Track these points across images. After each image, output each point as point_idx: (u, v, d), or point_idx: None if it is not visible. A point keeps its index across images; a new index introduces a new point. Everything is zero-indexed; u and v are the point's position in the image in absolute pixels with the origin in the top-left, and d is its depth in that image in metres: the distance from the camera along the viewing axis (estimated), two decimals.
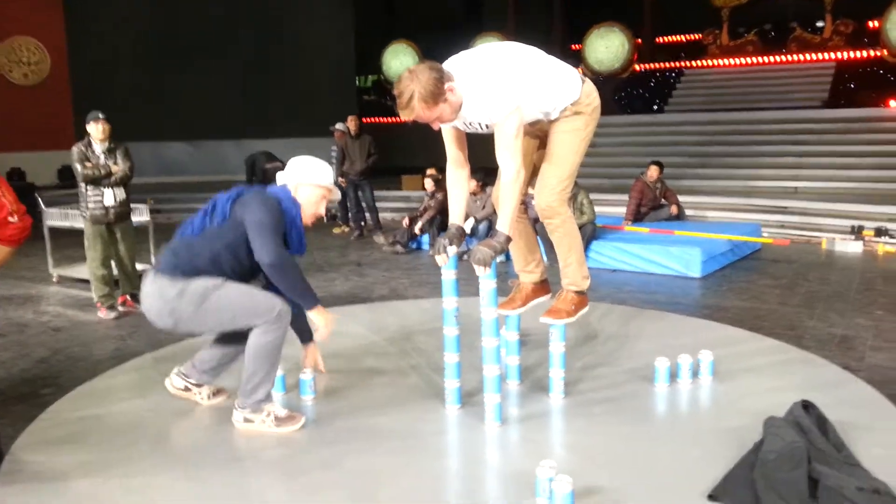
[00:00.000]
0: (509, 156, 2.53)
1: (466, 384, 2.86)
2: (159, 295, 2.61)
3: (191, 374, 2.96)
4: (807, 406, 2.54)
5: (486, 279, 2.59)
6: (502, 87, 2.51)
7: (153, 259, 7.04)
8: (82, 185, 5.30)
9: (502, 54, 2.63)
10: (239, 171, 13.43)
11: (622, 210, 9.01)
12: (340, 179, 9.43)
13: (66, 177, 12.42)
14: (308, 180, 2.77)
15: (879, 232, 8.52)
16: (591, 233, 7.42)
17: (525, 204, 2.98)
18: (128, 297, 5.67)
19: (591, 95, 2.78)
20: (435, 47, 2.86)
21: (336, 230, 9.91)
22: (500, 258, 2.67)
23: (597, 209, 7.87)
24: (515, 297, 3.02)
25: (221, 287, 2.61)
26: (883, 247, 8.21)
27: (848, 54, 14.21)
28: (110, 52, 14.34)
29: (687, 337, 3.67)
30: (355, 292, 6.34)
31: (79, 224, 5.91)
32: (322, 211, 2.82)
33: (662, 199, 8.91)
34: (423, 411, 2.84)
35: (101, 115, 5.27)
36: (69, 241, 7.02)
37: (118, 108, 5.43)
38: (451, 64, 2.59)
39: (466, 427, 2.72)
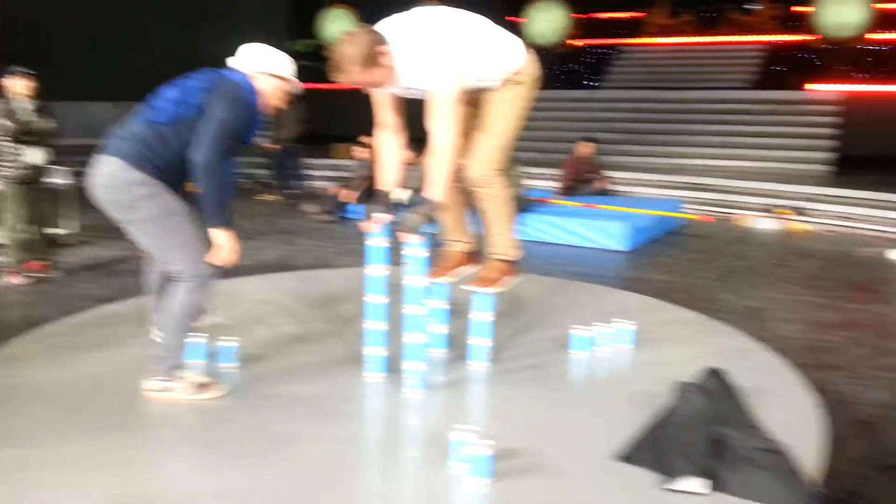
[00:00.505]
0: (446, 123, 2.53)
1: (393, 352, 2.89)
2: (126, 186, 2.46)
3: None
4: (716, 373, 2.68)
5: (414, 247, 2.61)
6: (443, 52, 2.50)
7: (73, 224, 6.78)
8: (2, 141, 5.03)
9: (443, 19, 2.61)
10: None
11: (554, 184, 9.14)
12: (271, 145, 9.25)
13: None
14: (266, 69, 2.65)
15: (794, 210, 8.92)
16: (520, 205, 7.51)
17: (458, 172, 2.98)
18: (42, 262, 5.45)
19: (532, 65, 2.80)
20: (373, 13, 2.82)
21: (264, 198, 9.73)
22: (431, 227, 2.68)
23: (529, 182, 7.97)
24: (445, 265, 3.04)
25: (185, 216, 2.54)
26: (797, 224, 8.60)
27: (778, 37, 14.65)
28: (32, 9, 13.57)
29: (609, 307, 3.78)
30: (282, 261, 6.27)
31: None
32: (282, 103, 2.70)
33: (593, 175, 9.08)
34: (346, 379, 2.86)
35: (24, 71, 5.04)
36: None
37: (42, 64, 5.17)
38: (388, 27, 2.56)
39: (389, 394, 2.76)
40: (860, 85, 12.53)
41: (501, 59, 2.72)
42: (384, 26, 2.57)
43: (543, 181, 9.61)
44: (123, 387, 2.76)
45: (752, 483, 2.02)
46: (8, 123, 4.94)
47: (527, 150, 11.49)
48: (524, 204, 7.66)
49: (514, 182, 7.54)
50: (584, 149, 8.88)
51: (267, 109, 2.66)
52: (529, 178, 8.22)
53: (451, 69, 2.51)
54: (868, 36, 12.34)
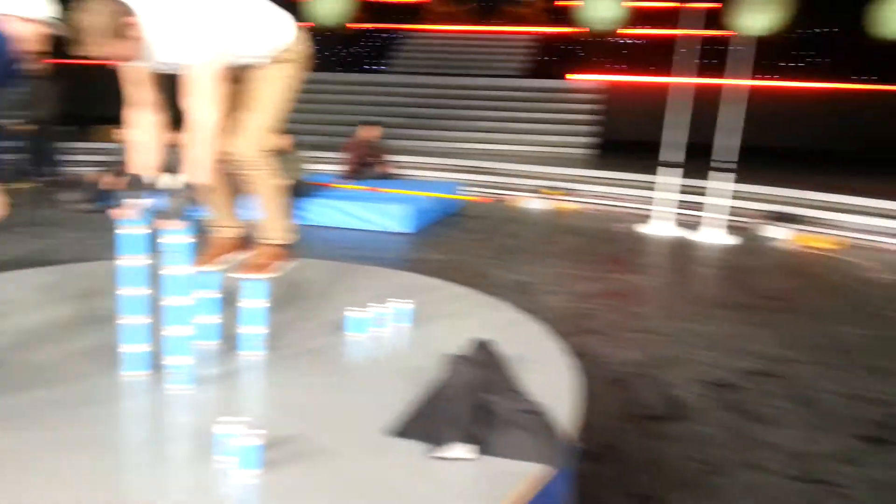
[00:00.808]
0: (206, 101, 2.39)
1: (159, 347, 2.70)
2: None
3: None
4: (483, 344, 2.82)
5: (177, 234, 2.46)
6: (201, 24, 2.35)
7: None
8: None
9: None
10: None
11: (338, 167, 9.11)
12: (25, 126, 8.27)
13: None
14: (16, 11, 2.40)
15: (560, 191, 9.67)
16: (303, 190, 7.41)
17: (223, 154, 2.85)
18: None
19: (302, 43, 2.72)
20: None
21: (17, 186, 8.68)
22: (195, 212, 2.54)
23: (313, 166, 7.87)
24: (213, 252, 2.91)
25: None
26: (563, 204, 9.34)
27: (547, 29, 15.70)
28: None
29: (387, 288, 3.83)
30: (38, 256, 5.67)
31: None
32: (40, 48, 2.45)
33: (376, 159, 9.17)
34: (105, 379, 2.63)
35: None
36: None
37: None
38: None
39: (151, 393, 2.58)
40: (617, 75, 13.80)
41: (268, 34, 2.62)
42: None
43: (328, 165, 9.55)
44: None
45: (514, 443, 2.16)
46: None
47: (310, 133, 11.36)
48: (307, 188, 7.56)
49: (296, 166, 7.41)
50: (367, 132, 8.94)
51: (25, 56, 2.40)
52: (313, 162, 8.11)
53: (210, 43, 2.38)
54: (624, 31, 13.65)
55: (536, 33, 15.77)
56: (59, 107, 8.36)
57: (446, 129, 12.48)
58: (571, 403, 2.55)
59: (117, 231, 2.59)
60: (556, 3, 15.88)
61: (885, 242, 7.72)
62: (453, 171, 10.59)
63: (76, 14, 2.25)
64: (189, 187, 2.45)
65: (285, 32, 2.67)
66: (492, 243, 7.02)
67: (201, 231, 2.87)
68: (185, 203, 2.43)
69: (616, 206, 9.34)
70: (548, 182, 9.90)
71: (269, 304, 2.94)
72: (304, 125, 11.62)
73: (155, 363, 2.69)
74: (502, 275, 5.80)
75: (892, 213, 8.17)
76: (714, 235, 7.81)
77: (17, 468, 2.04)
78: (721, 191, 8.01)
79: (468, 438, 2.15)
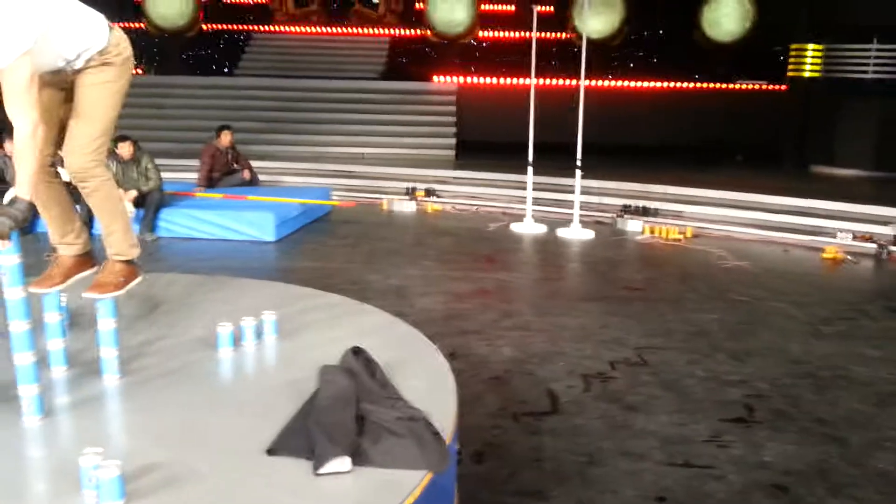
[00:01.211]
0: (22, 108, 2.18)
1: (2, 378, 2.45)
2: None
3: None
4: (357, 351, 2.76)
5: (7, 254, 2.23)
6: (5, 26, 2.14)
7: None
8: None
9: None
10: None
11: (193, 175, 8.71)
12: None
13: None
14: None
15: (429, 192, 9.74)
16: (158, 199, 7.03)
17: (55, 166, 2.63)
18: None
19: (120, 44, 2.55)
20: None
21: None
22: (27, 229, 2.31)
23: (165, 175, 7.47)
24: (53, 272, 2.67)
25: None
26: (432, 206, 9.40)
27: (399, 31, 15.77)
28: None
29: (255, 300, 3.68)
30: None
31: None
32: None
33: (235, 165, 8.85)
34: None
35: None
36: None
37: None
38: None
39: (3, 426, 2.33)
40: (472, 77, 14.08)
41: (80, 36, 2.44)
42: None
43: (181, 173, 9.11)
44: None
45: (391, 452, 2.11)
46: None
47: (160, 140, 10.79)
48: (163, 198, 7.17)
49: (150, 175, 7.01)
50: (224, 138, 8.60)
51: None
52: (165, 170, 7.70)
53: (16, 45, 2.17)
54: (477, 33, 13.98)
55: (389, 35, 15.83)
56: None
57: (306, 133, 12.24)
58: (450, 405, 2.54)
59: None
60: (406, 5, 16.07)
61: (726, 231, 8.34)
62: (317, 175, 10.41)
63: None
64: (17, 202, 2.23)
65: (101, 34, 2.50)
66: (363, 248, 6.95)
67: (44, 250, 2.63)
68: (12, 220, 2.21)
69: (482, 205, 9.53)
70: (413, 184, 9.94)
71: (123, 324, 2.74)
72: (153, 132, 11.04)
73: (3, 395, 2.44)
74: (376, 280, 5.75)
75: (731, 203, 8.85)
76: (576, 231, 8.14)
77: None
78: (580, 187, 8.36)
79: (346, 451, 2.09)
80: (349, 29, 15.98)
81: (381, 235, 7.66)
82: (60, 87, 2.54)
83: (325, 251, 6.79)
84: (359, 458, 2.07)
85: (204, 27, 14.84)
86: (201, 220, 7.06)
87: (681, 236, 8.08)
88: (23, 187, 2.25)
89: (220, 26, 15.70)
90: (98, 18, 2.51)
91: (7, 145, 6.34)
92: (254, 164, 9.12)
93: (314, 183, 9.94)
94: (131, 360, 2.81)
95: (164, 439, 2.26)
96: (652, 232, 8.28)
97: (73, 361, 2.79)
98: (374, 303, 4.20)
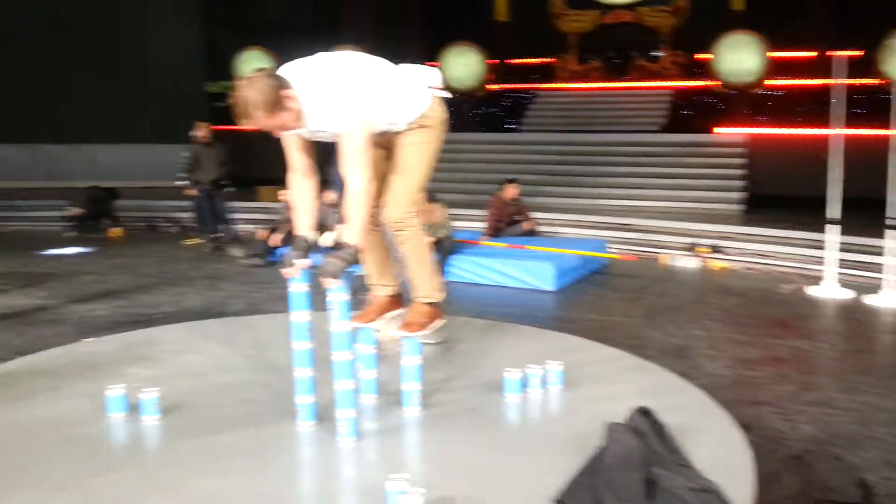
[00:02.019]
0: (357, 166, 2.52)
1: (322, 399, 2.79)
2: None
3: None
4: (645, 412, 2.68)
5: (337, 292, 2.55)
6: (348, 96, 2.50)
7: None
8: None
9: (347, 63, 2.62)
10: (77, 176, 12.58)
11: (479, 225, 9.23)
12: (190, 189, 9.06)
13: None
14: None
15: (713, 249, 9.25)
16: (449, 247, 7.54)
17: (376, 216, 2.96)
18: None
19: (438, 108, 2.83)
20: (289, 55, 2.80)
21: (188, 242, 9.44)
22: (356, 271, 2.64)
23: (455, 224, 8.01)
24: (369, 310, 3.00)
25: None
26: (716, 263, 8.91)
27: (682, 83, 15.37)
28: None
29: (539, 347, 3.76)
30: (209, 307, 6.08)
31: None
32: None
33: (520, 216, 9.21)
34: (275, 428, 2.74)
35: None
36: None
37: None
38: (291, 71, 2.55)
39: (320, 443, 2.65)
40: (762, 128, 13.21)
41: (408, 103, 2.74)
42: (287, 70, 2.56)
43: (469, 222, 9.70)
44: (29, 445, 2.58)
45: None
46: None
47: (450, 191, 11.62)
48: (453, 246, 7.69)
49: (443, 225, 7.59)
50: (510, 191, 9.02)
51: None
52: (455, 219, 8.26)
53: (356, 113, 2.51)
54: (766, 82, 13.09)
55: (671, 87, 15.44)
56: (222, 169, 9.04)
57: (587, 186, 12.36)
58: (747, 482, 2.36)
59: (289, 288, 2.72)
60: (690, 56, 15.54)
61: None
62: (596, 227, 10.43)
63: (238, 88, 2.44)
64: (346, 248, 2.55)
65: (422, 100, 2.79)
66: (642, 303, 6.79)
67: (358, 289, 2.97)
68: (343, 262, 2.53)
69: (773, 264, 8.79)
70: (695, 239, 9.51)
71: (424, 362, 2.97)
72: (445, 184, 11.92)
73: (321, 414, 2.78)
74: (656, 337, 5.57)
75: None
76: (889, 298, 7.15)
77: None
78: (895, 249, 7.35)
79: None
80: (630, 83, 15.95)
81: (661, 291, 7.42)
82: (382, 147, 2.87)
83: (602, 303, 6.75)
84: None
85: (491, 87, 15.83)
86: (486, 267, 7.45)
87: None
88: (353, 234, 2.57)
89: (506, 86, 16.61)
90: (422, 87, 2.81)
91: (327, 195, 7.27)
92: (534, 215, 9.43)
93: (591, 235, 9.99)
94: (430, 394, 3.03)
95: (460, 474, 2.40)
96: None
97: (381, 391, 3.09)
98: (654, 361, 4.08)
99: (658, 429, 2.60)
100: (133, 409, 2.83)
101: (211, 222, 9.21)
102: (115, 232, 10.23)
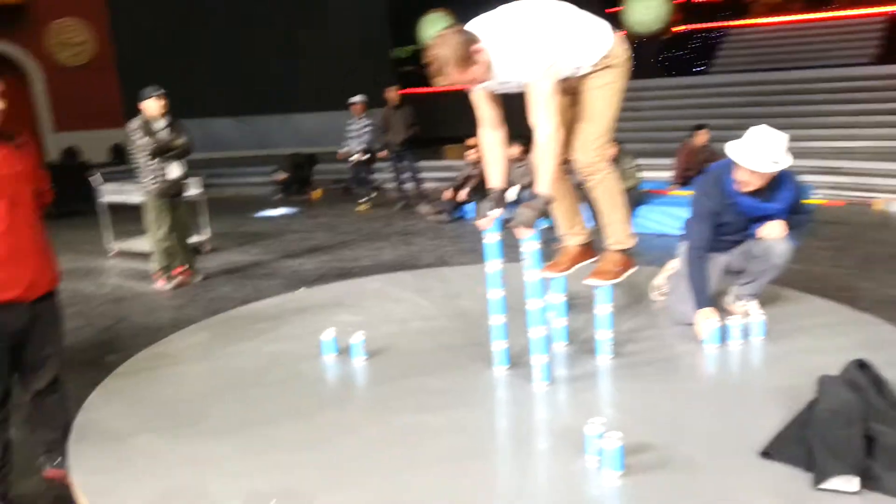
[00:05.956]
0: (546, 115, 2.52)
1: (514, 346, 2.89)
2: None
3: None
4: (863, 365, 2.49)
5: (530, 241, 2.60)
6: (535, 44, 2.49)
7: (205, 232, 7.21)
8: (144, 159, 5.36)
9: (532, 11, 2.60)
10: (283, 144, 13.61)
11: (667, 174, 8.87)
12: (381, 152, 9.51)
13: (119, 154, 12.73)
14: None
15: None
16: (636, 197, 7.33)
17: (566, 164, 2.95)
18: (185, 268, 5.82)
19: (621, 47, 2.75)
20: (471, 14, 2.84)
21: (360, 208, 9.80)
22: (544, 222, 2.67)
23: (641, 174, 7.77)
24: (560, 260, 3.01)
25: None
26: None
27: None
28: (152, 31, 14.52)
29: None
30: (402, 260, 6.42)
31: (133, 199, 6.07)
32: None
33: (707, 163, 8.73)
34: (471, 372, 2.88)
35: (159, 91, 5.36)
36: (123, 217, 7.21)
37: (164, 85, 5.51)
38: (478, 25, 2.58)
39: (514, 387, 2.76)
40: None
41: (592, 44, 2.68)
42: (473, 25, 2.59)
43: (656, 172, 9.34)
44: (269, 377, 2.93)
45: None
46: (150, 143, 5.30)
47: (636, 140, 11.21)
48: (640, 196, 7.48)
49: (629, 174, 7.38)
50: (700, 137, 8.57)
51: None
52: (642, 169, 8.00)
53: (544, 60, 2.50)
54: None
55: (884, 14, 13.62)
56: (409, 131, 9.36)
57: (787, 128, 11.25)
58: None
59: (483, 239, 2.81)
60: None
61: None
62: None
63: (430, 48, 2.51)
64: (538, 198, 2.57)
65: (606, 39, 2.70)
66: (853, 252, 6.21)
67: (550, 238, 2.99)
68: (536, 213, 2.56)
69: None
70: None
71: (614, 310, 2.96)
72: (630, 133, 11.50)
73: (514, 360, 2.88)
74: (869, 288, 5.10)
75: None
76: None
77: (410, 446, 2.33)
78: None
79: (853, 470, 1.93)
80: (835, 12, 14.34)
81: (875, 238, 6.73)
82: (567, 93, 2.82)
83: (807, 253, 6.23)
84: (870, 482, 1.90)
85: (678, 28, 14.93)
86: (675, 217, 7.16)
87: None
88: (544, 184, 2.59)
89: (693, 26, 15.61)
90: (604, 27, 2.74)
91: (512, 149, 7.31)
92: None
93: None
94: (622, 343, 3.03)
95: (656, 423, 2.39)
96: None
97: (572, 339, 3.13)
98: (870, 314, 3.75)
99: (878, 383, 2.42)
100: (343, 351, 3.10)
101: (401, 182, 9.63)
102: (316, 194, 11.00)
